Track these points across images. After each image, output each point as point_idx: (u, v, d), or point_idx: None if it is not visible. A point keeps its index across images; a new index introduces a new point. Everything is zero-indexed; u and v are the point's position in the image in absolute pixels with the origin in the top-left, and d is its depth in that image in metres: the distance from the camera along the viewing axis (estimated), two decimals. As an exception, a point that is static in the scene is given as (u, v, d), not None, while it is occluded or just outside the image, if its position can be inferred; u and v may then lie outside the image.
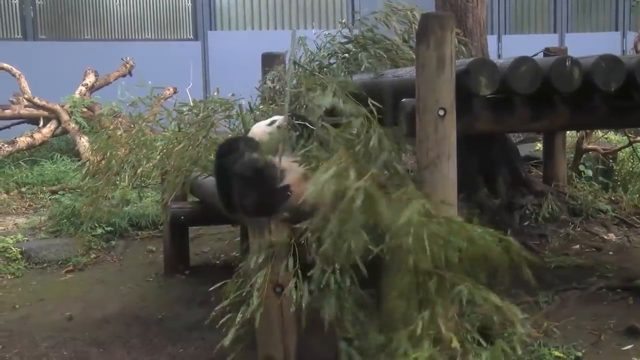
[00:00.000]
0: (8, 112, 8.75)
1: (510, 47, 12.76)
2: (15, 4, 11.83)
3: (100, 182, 4.89)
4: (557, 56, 3.83)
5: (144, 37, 12.59)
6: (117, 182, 5.29)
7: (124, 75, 9.56)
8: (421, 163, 3.30)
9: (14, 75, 8.78)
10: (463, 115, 3.35)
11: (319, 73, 4.55)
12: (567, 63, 3.43)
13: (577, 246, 5.09)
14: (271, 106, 4.70)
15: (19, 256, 5.61)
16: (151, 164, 4.99)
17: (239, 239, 5.69)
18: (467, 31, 5.30)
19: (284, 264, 3.01)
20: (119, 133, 5.21)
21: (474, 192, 5.04)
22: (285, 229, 3.05)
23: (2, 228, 6.30)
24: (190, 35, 12.90)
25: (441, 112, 3.24)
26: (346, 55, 4.72)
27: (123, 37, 12.47)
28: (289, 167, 3.19)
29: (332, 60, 4.82)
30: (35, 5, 11.93)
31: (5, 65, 8.84)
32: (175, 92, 8.72)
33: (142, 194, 6.16)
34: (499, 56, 12.66)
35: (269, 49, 5.48)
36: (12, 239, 5.84)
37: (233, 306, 3.90)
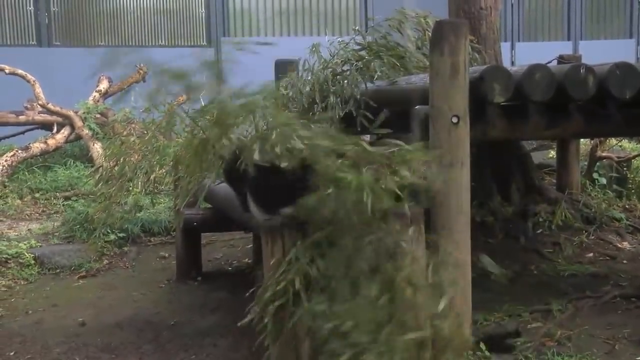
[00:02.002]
0: (22, 118, 8.80)
1: (524, 54, 12.70)
2: (30, 11, 11.91)
3: (113, 188, 4.91)
4: (572, 63, 3.82)
5: (158, 44, 12.64)
6: (130, 188, 5.32)
7: (137, 82, 9.59)
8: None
9: (28, 81, 8.84)
10: (477, 122, 3.34)
11: (332, 80, 4.55)
12: (581, 70, 3.41)
13: (591, 254, 5.06)
14: (284, 113, 4.70)
15: (33, 262, 5.63)
16: (164, 170, 5.01)
17: (251, 245, 5.69)
18: (481, 38, 5.29)
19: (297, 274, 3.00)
20: (132, 139, 5.23)
21: (487, 200, 5.02)
22: (298, 237, 3.04)
23: (16, 234, 6.33)
24: (203, 42, 12.94)
25: (455, 119, 3.23)
26: (359, 62, 4.72)
27: (137, 44, 12.52)
28: None
29: (345, 67, 4.82)
30: (50, 12, 12.01)
31: (20, 71, 8.90)
32: (188, 99, 8.74)
33: (154, 200, 6.20)
34: (512, 63, 12.61)
35: (282, 55, 5.49)
36: (25, 244, 5.86)
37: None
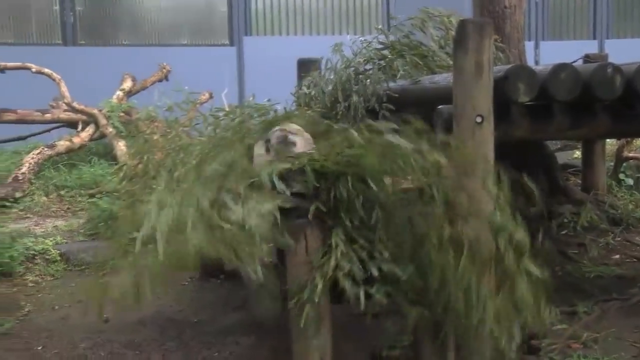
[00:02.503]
0: (48, 116, 8.89)
1: (548, 53, 12.61)
2: (56, 10, 12.04)
3: (137, 185, 4.94)
4: (598, 63, 3.78)
5: (180, 43, 12.72)
6: (154, 186, 5.34)
7: (160, 80, 9.66)
8: (457, 171, 3.27)
9: (53, 80, 8.93)
10: (501, 122, 3.33)
11: (354, 79, 4.55)
12: (608, 70, 3.38)
13: (617, 256, 5.00)
14: (307, 112, 4.71)
15: (58, 258, 5.70)
16: (187, 169, 5.03)
17: (273, 244, 5.69)
18: (505, 37, 5.25)
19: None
20: (155, 137, 5.26)
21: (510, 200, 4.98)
22: (322, 233, 3.05)
23: (42, 230, 6.40)
24: (225, 41, 12.99)
25: (478, 119, 3.21)
26: (382, 61, 4.72)
27: (160, 43, 12.60)
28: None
29: (368, 66, 4.82)
30: (75, 11, 12.13)
31: (45, 70, 8.99)
32: (211, 97, 8.79)
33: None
34: (536, 63, 12.52)
35: (305, 54, 5.49)
36: (51, 241, 5.93)
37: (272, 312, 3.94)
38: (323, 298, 3.01)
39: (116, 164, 7.41)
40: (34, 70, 9.00)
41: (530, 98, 3.31)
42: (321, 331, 3.01)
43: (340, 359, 3.25)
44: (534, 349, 3.26)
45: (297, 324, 3.02)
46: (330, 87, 4.68)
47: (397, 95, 4.17)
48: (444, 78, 3.88)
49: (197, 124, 4.97)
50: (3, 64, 9.00)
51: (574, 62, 3.97)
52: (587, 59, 5.44)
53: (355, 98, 4.40)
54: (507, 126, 3.46)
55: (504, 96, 3.31)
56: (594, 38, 14.36)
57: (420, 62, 4.49)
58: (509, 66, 3.51)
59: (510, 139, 3.59)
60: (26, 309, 4.84)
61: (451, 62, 3.65)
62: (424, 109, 3.86)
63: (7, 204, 6.99)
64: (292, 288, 3.05)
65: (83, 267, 5.67)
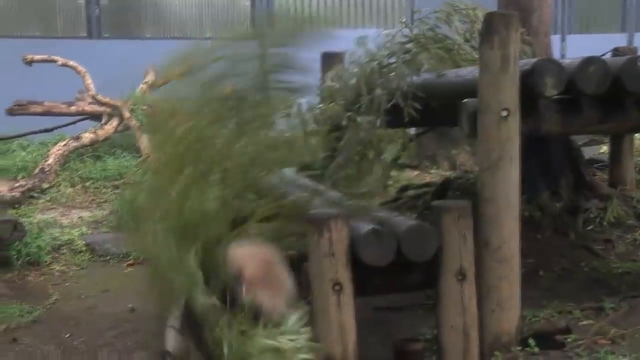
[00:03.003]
0: (73, 108, 8.97)
1: (575, 47, 12.47)
2: (81, 4, 12.12)
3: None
4: (628, 56, 3.73)
5: (203, 36, 12.75)
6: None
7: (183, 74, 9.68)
8: (482, 164, 3.26)
9: (79, 72, 9.00)
10: (527, 116, 3.30)
11: (378, 72, 4.53)
12: (638, 63, 3.33)
13: (645, 252, 4.94)
14: (330, 105, 4.71)
15: (84, 248, 5.77)
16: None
17: (295, 237, 5.71)
18: (532, 30, 5.20)
19: (342, 261, 3.01)
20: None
21: (535, 195, 4.94)
22: (345, 227, 3.05)
23: (68, 221, 6.47)
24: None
25: (504, 113, 3.19)
26: (406, 54, 4.69)
27: (183, 36, 12.65)
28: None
29: (392, 60, 4.79)
30: (100, 5, 12.20)
31: (71, 62, 9.07)
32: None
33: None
34: (563, 56, 12.39)
35: (328, 47, 5.48)
36: (77, 231, 6.00)
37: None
38: (347, 290, 3.01)
39: (140, 156, 7.47)
40: (59, 62, 9.08)
41: (558, 92, 3.27)
42: (344, 322, 3.01)
43: (363, 351, 3.24)
44: (559, 344, 3.23)
45: (321, 315, 3.02)
46: (353, 81, 4.66)
47: (422, 96, 4.15)
48: (469, 72, 3.85)
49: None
50: (29, 56, 9.08)
51: (603, 55, 3.93)
52: (616, 52, 5.37)
53: (379, 91, 4.38)
54: (534, 120, 3.42)
55: (530, 90, 3.27)
56: (623, 31, 14.16)
57: (445, 56, 4.45)
58: (536, 59, 3.47)
59: (537, 133, 3.55)
60: (53, 298, 4.91)
61: (477, 56, 3.62)
62: (448, 103, 3.85)
63: (34, 194, 7.07)
64: (316, 280, 3.05)
65: (108, 257, 5.74)
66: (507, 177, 3.19)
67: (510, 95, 3.20)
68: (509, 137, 3.19)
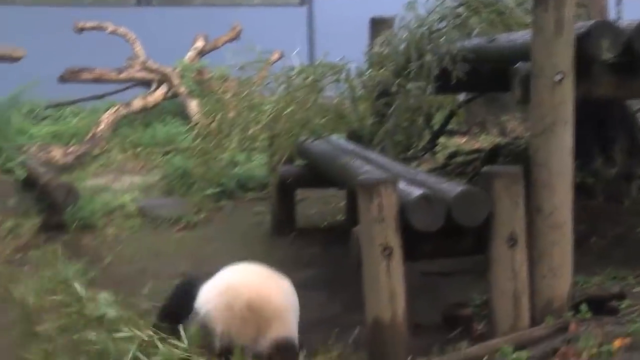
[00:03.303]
0: (123, 75, 9.08)
1: (632, 10, 12.09)
2: (131, -29, 12.19)
3: (210, 144, 5.03)
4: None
5: (252, 3, 12.73)
6: (226, 145, 5.43)
7: (232, 40, 9.71)
8: (535, 129, 3.21)
9: (128, 40, 9.10)
10: (582, 80, 3.23)
11: (428, 37, 4.48)
12: (698, 25, 3.23)
13: (700, 218, 4.82)
14: (380, 71, 4.68)
15: (135, 213, 5.89)
16: (259, 127, 5.09)
17: (344, 202, 5.74)
18: (586, -8, 5.06)
19: (392, 226, 3.02)
20: (227, 96, 5.33)
21: (588, 161, 4.86)
22: (395, 192, 3.06)
23: (119, 186, 6.61)
24: (296, 1, 12.93)
25: (558, 77, 3.13)
26: (457, 19, 4.62)
27: (231, 3, 12.63)
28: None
29: (442, 25, 4.73)
30: (148, -28, 12.26)
31: (121, 29, 9.17)
32: (281, 57, 8.80)
33: (250, 157, 6.32)
34: (619, 19, 12.02)
35: (376, 13, 5.43)
36: (129, 196, 6.13)
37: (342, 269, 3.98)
38: (397, 255, 3.02)
39: (189, 123, 7.55)
40: (109, 30, 9.19)
41: (614, 55, 3.20)
42: (394, 287, 3.03)
43: (413, 316, 3.26)
44: (612, 310, 3.20)
45: (371, 280, 3.05)
46: (403, 46, 4.62)
47: (472, 62, 4.10)
48: (521, 35, 3.77)
49: (269, 83, 5.01)
50: (80, 24, 9.21)
51: (661, 17, 3.81)
52: (673, 15, 5.20)
53: (428, 57, 4.34)
54: (588, 85, 3.34)
55: (585, 53, 3.20)
56: (681, -8, 13.65)
57: (497, 19, 4.38)
58: (591, 22, 3.38)
59: (592, 97, 3.48)
60: (107, 261, 5.05)
61: (529, 20, 3.55)
62: (500, 67, 3.79)
63: (86, 160, 7.23)
64: (365, 245, 3.07)
65: (159, 222, 5.85)
66: (560, 142, 3.14)
67: (564, 58, 3.13)
68: (562, 101, 3.14)
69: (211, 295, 3.19)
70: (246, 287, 3.17)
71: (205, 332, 3.13)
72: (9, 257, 5.01)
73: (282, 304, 3.17)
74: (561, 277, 3.15)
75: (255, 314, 3.08)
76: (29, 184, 5.88)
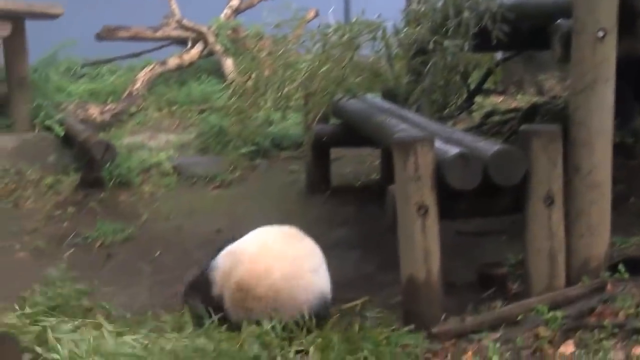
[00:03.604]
0: (159, 33, 9.09)
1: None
2: None
3: (246, 102, 5.04)
4: None
5: (287, -41, 12.58)
6: (261, 103, 5.44)
7: (267, -2, 9.64)
8: (575, 87, 3.15)
9: (164, -2, 9.08)
10: (625, 36, 3.15)
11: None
12: None
13: None
14: (416, 29, 4.62)
15: (171, 171, 5.94)
16: (295, 86, 5.07)
17: (379, 161, 5.73)
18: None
19: (428, 184, 3.01)
20: (263, 54, 5.31)
21: (628, 120, 4.77)
22: (431, 150, 3.04)
23: (156, 144, 6.66)
24: (332, -43, 12.75)
25: (601, 34, 3.05)
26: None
27: (266, -41, 12.51)
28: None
29: (481, -19, 4.63)
30: None
31: (156, -12, 9.14)
32: (317, 15, 8.72)
33: (285, 115, 6.31)
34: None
35: (415, -31, 5.32)
36: (164, 154, 6.18)
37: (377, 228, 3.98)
38: (432, 214, 3.02)
39: (224, 81, 7.55)
40: (145, -12, 9.18)
41: (660, 10, 3.12)
42: (429, 245, 3.03)
43: (449, 274, 3.27)
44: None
45: (406, 239, 3.05)
46: (440, 3, 4.54)
47: (512, 19, 4.01)
48: (563, -9, 3.69)
49: (304, 41, 4.98)
50: (116, -18, 9.21)
51: None
52: None
53: (466, 14, 4.26)
54: (631, 41, 3.26)
55: (629, 9, 3.12)
56: None
57: (537, -25, 4.28)
58: (636, -24, 3.29)
59: (635, 54, 3.40)
60: (144, 218, 5.13)
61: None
62: (539, 24, 3.71)
63: (123, 118, 7.29)
64: (401, 203, 3.07)
65: (194, 180, 5.91)
66: (601, 100, 3.08)
67: (607, 14, 3.05)
68: (604, 58, 3.07)
69: (221, 256, 3.25)
70: (246, 262, 3.14)
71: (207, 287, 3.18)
72: (49, 213, 5.11)
73: (277, 285, 3.07)
74: (599, 236, 3.12)
75: (243, 292, 3.06)
76: (68, 141, 5.96)
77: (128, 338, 2.84)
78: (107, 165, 5.49)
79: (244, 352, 2.72)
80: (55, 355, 2.69)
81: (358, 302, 3.29)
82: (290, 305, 3.04)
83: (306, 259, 3.22)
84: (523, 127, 3.30)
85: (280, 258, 3.15)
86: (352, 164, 6.12)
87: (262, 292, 3.04)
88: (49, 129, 6.09)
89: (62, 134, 6.03)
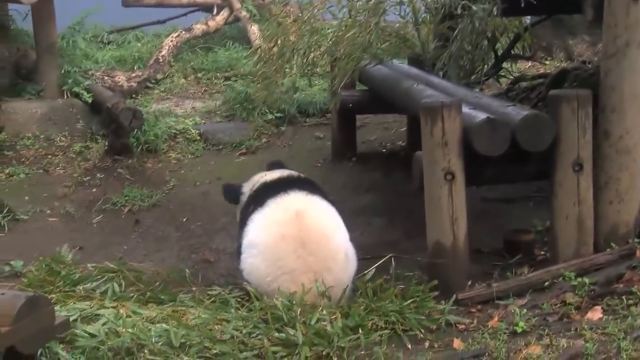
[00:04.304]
0: (185, 0, 9.09)
1: None
2: None
3: (272, 69, 5.01)
4: None
5: None
6: (287, 70, 5.41)
7: (292, -37, 9.56)
8: (607, 51, 3.10)
9: (190, -37, 9.05)
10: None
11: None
12: None
13: None
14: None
15: (198, 137, 5.97)
16: (321, 52, 5.04)
17: (404, 128, 5.70)
18: None
19: (455, 150, 2.99)
20: (288, 21, 5.27)
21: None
22: (458, 116, 3.01)
23: (182, 111, 6.69)
24: None
25: (635, -4, 2.99)
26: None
27: None
28: None
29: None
30: None
31: (183, -46, 9.11)
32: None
33: (310, 82, 6.29)
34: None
35: None
36: (191, 121, 6.20)
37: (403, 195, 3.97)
38: (459, 179, 3.00)
39: (250, 48, 7.52)
40: (171, -46, 9.14)
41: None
42: (456, 212, 3.02)
43: (475, 241, 3.26)
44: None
45: (433, 204, 3.04)
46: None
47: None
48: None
49: (331, 6, 4.93)
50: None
51: None
52: None
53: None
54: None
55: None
56: None
57: None
58: None
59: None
60: (171, 184, 5.16)
61: None
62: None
63: (150, 85, 7.32)
64: (428, 169, 3.06)
65: (220, 146, 5.93)
66: (633, 64, 3.03)
67: (641, -24, 2.99)
68: (638, 21, 3.00)
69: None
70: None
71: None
72: (79, 179, 5.16)
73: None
74: (629, 202, 3.09)
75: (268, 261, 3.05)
76: (96, 107, 6.00)
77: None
78: (135, 132, 5.51)
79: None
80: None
81: (385, 258, 3.26)
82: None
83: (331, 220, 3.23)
84: (552, 91, 3.26)
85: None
86: (378, 131, 6.09)
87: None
88: (77, 95, 6.14)
89: (90, 100, 6.07)
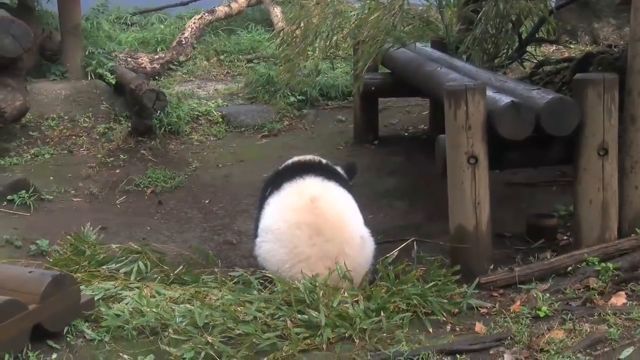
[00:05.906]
0: (209, -18, 9.09)
1: None
2: None
3: (294, 51, 5.00)
4: None
5: None
6: (310, 52, 5.40)
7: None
8: (635, 34, 3.06)
9: (212, -54, 9.01)
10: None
11: None
12: None
13: None
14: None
15: (220, 120, 5.99)
16: (344, 34, 5.02)
17: (427, 112, 5.68)
18: None
19: (479, 134, 2.98)
20: (311, 3, 5.25)
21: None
22: (482, 100, 3.00)
23: (205, 93, 6.70)
24: None
25: (664, -23, 2.95)
26: None
27: None
28: None
29: None
30: None
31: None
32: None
33: (333, 64, 6.27)
34: None
35: None
36: (213, 103, 6.22)
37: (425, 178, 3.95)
38: (482, 163, 2.99)
39: (272, 30, 7.51)
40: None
41: None
42: (479, 195, 3.01)
43: (497, 225, 3.26)
44: None
45: (456, 188, 3.04)
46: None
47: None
48: None
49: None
50: None
51: None
52: None
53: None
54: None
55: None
56: None
57: None
58: None
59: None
60: (193, 166, 5.19)
61: None
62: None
63: (172, 67, 7.33)
64: (451, 153, 3.05)
65: (242, 129, 5.95)
66: (661, 48, 2.99)
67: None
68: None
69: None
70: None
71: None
72: (102, 159, 5.21)
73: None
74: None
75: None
76: (119, 89, 6.03)
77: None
78: (158, 113, 5.53)
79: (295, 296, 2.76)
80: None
81: (407, 241, 3.26)
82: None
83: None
84: (578, 75, 3.23)
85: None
86: (400, 114, 6.08)
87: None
88: (100, 77, 6.17)
89: (113, 82, 6.10)
